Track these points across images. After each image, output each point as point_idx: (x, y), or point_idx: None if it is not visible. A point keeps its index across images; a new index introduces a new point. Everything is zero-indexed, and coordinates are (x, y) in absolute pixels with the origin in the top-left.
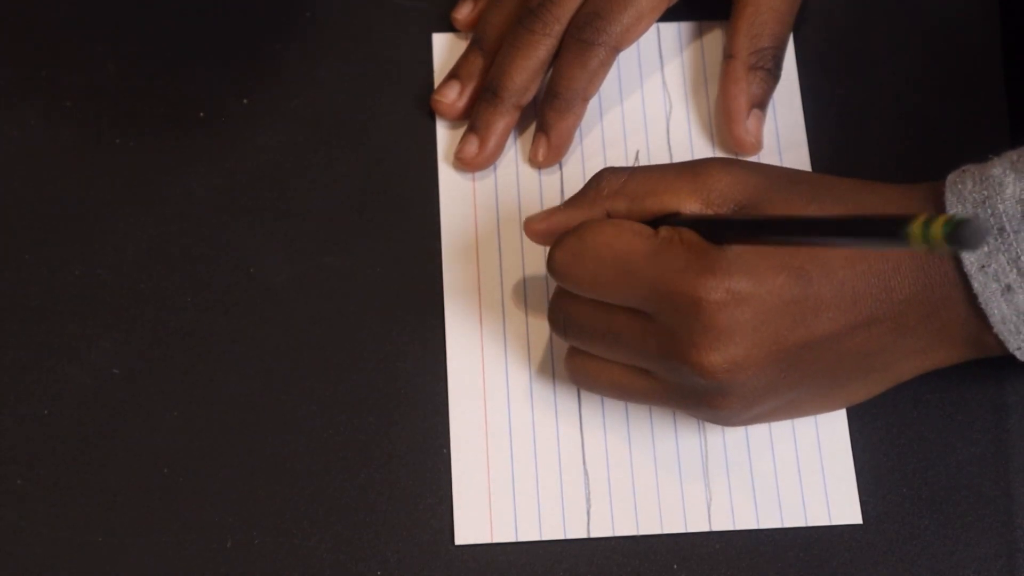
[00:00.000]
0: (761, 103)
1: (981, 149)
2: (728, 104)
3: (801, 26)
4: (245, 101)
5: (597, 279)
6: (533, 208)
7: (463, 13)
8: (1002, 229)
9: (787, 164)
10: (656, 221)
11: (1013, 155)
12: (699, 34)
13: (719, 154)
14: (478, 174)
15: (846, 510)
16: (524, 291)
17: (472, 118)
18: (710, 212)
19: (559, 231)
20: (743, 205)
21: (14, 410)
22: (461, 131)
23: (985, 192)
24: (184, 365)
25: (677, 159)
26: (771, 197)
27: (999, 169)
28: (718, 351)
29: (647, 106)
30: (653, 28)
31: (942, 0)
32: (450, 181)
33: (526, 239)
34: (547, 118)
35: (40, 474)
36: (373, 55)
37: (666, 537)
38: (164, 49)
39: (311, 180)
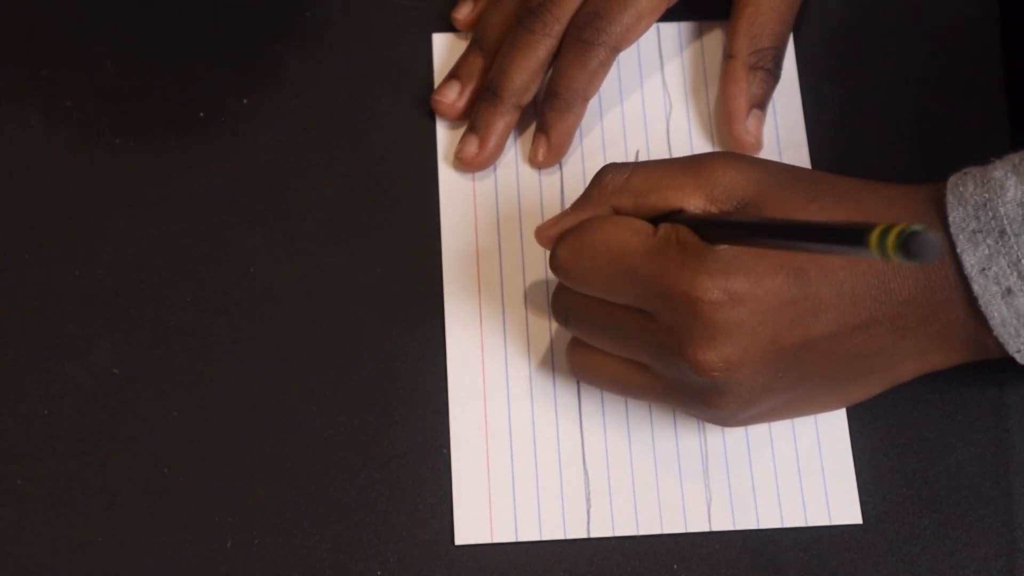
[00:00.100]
0: (761, 103)
1: (981, 149)
2: (728, 104)
3: (801, 26)
4: (245, 101)
5: (596, 276)
6: (533, 208)
7: (463, 13)
8: (1003, 232)
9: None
10: (660, 217)
11: (1015, 158)
12: (699, 34)
13: None
14: (478, 174)
15: (846, 510)
16: (524, 291)
17: (472, 118)
18: (714, 208)
19: None
20: (746, 202)
21: (14, 410)
22: (461, 131)
23: (986, 195)
24: (184, 365)
25: None
26: (774, 194)
27: (1000, 172)
28: (715, 350)
29: (647, 106)
30: (653, 28)
31: (942, 0)
32: (450, 181)
33: (526, 239)
34: (547, 118)
35: (40, 474)
36: (373, 55)
37: (666, 537)
38: (164, 49)
39: (311, 180)
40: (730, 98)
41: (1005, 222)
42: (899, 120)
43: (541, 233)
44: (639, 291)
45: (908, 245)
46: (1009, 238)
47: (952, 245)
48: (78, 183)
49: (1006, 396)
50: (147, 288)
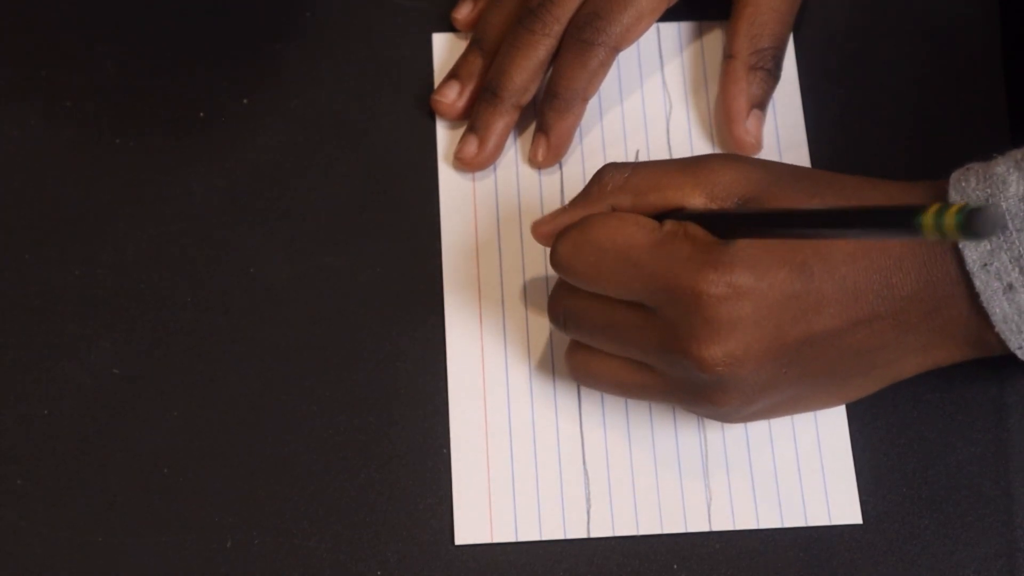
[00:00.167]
0: (761, 103)
1: (981, 149)
2: (728, 104)
3: (801, 26)
4: (245, 101)
5: (599, 271)
6: (533, 208)
7: (463, 13)
8: (1005, 228)
9: None
10: (659, 216)
11: (1017, 154)
12: (699, 34)
13: None
14: (478, 174)
15: (846, 510)
16: (524, 291)
17: (472, 118)
18: (714, 207)
19: None
20: (746, 199)
21: (14, 410)
22: (461, 131)
23: (988, 190)
24: (184, 365)
25: None
26: (774, 192)
27: (1003, 167)
28: (718, 345)
29: (647, 106)
30: (653, 28)
31: (942, 0)
32: (450, 181)
33: (526, 239)
34: (547, 118)
35: (40, 474)
36: (373, 55)
37: (666, 537)
38: (164, 49)
39: (311, 180)
40: (730, 98)
41: (1007, 218)
42: (899, 120)
43: (538, 229)
44: (643, 285)
45: (972, 223)
46: (1011, 234)
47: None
48: (78, 183)
49: (1006, 396)
50: (147, 288)
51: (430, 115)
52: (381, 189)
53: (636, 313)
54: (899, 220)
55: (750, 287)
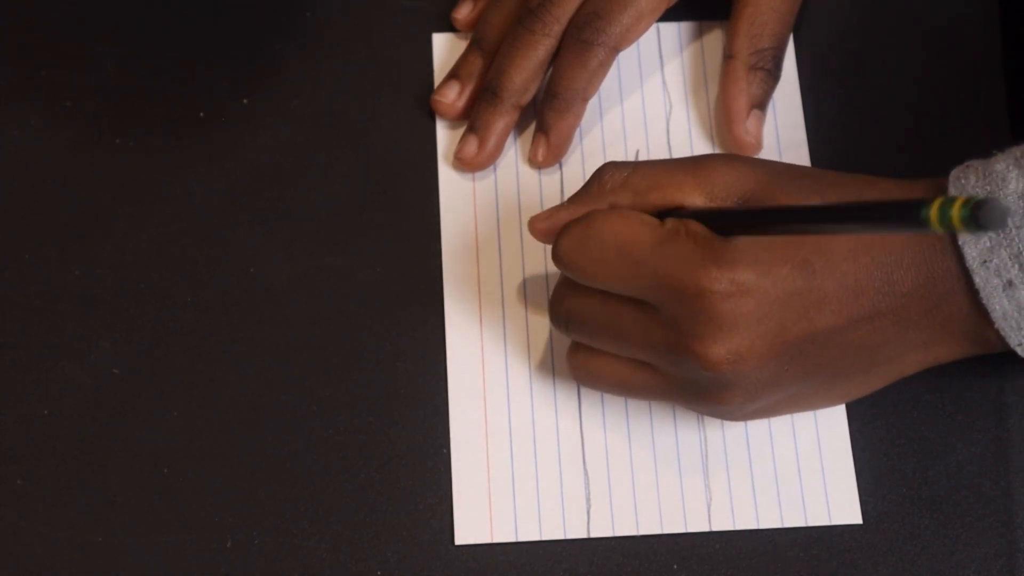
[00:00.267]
0: (761, 103)
1: (981, 149)
2: (728, 104)
3: (801, 26)
4: (245, 101)
5: (602, 267)
6: (533, 208)
7: (463, 13)
8: (1009, 219)
9: None
10: (659, 215)
11: (1017, 151)
12: (699, 34)
13: None
14: (478, 174)
15: (846, 510)
16: (524, 291)
17: (471, 118)
18: (715, 206)
19: None
20: (746, 198)
21: (14, 410)
22: (461, 131)
23: (988, 187)
24: (184, 365)
25: None
26: (774, 191)
27: (1002, 165)
28: (721, 342)
29: (647, 106)
30: (653, 28)
31: (942, 0)
32: (450, 181)
33: (526, 239)
34: (546, 118)
35: (40, 474)
36: (373, 55)
37: (666, 537)
38: (164, 49)
39: (311, 180)
40: (730, 98)
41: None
42: (899, 120)
43: (535, 225)
44: (646, 282)
45: (978, 215)
46: (1011, 230)
47: (953, 237)
48: (78, 183)
49: (1006, 396)
50: (147, 288)
51: (430, 115)
52: (381, 189)
53: (638, 311)
54: (904, 213)
55: (753, 284)
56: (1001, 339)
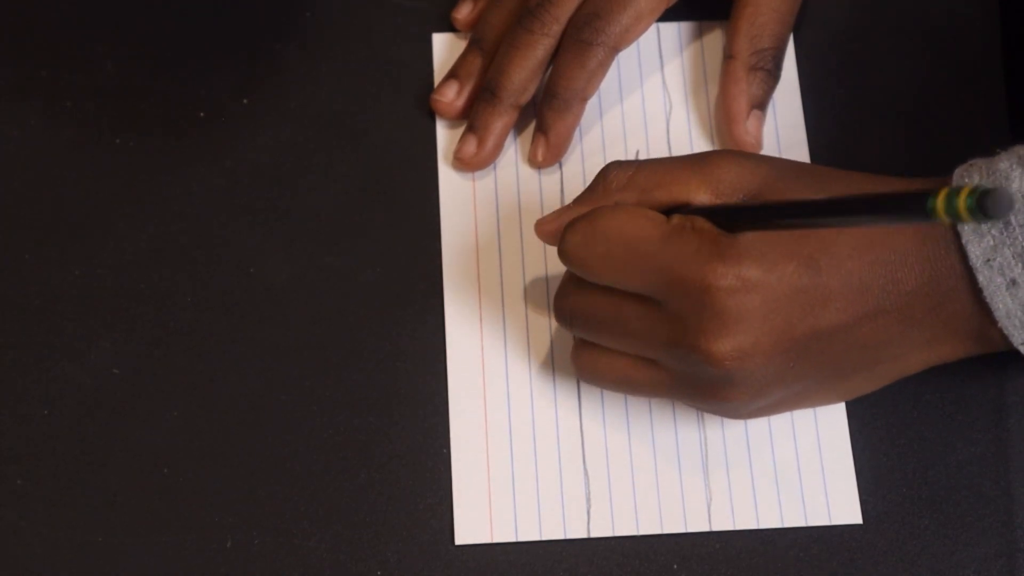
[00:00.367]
0: (761, 103)
1: (981, 149)
2: (728, 104)
3: (801, 26)
4: (245, 101)
5: (608, 263)
6: (533, 208)
7: (463, 13)
8: (1008, 223)
9: None
10: (665, 212)
11: (1021, 150)
12: (699, 34)
13: None
14: (478, 174)
15: (846, 510)
16: (524, 290)
17: (471, 118)
18: (720, 202)
19: None
20: (751, 194)
21: (14, 410)
22: (461, 131)
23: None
24: (184, 365)
25: None
26: (778, 187)
27: (1006, 163)
28: (727, 339)
29: (647, 106)
30: (653, 28)
31: (942, 0)
32: (450, 181)
33: (526, 239)
34: (546, 118)
35: (40, 474)
36: (373, 55)
37: (666, 537)
38: (164, 49)
39: (311, 180)
40: (730, 98)
41: (1011, 213)
42: (899, 120)
43: (541, 227)
44: (651, 278)
45: (985, 203)
46: (1014, 229)
47: (957, 235)
48: (78, 183)
49: (1006, 396)
50: (147, 288)
51: (430, 115)
52: (381, 189)
53: (643, 307)
54: (910, 204)
55: (759, 280)
56: (1004, 338)
